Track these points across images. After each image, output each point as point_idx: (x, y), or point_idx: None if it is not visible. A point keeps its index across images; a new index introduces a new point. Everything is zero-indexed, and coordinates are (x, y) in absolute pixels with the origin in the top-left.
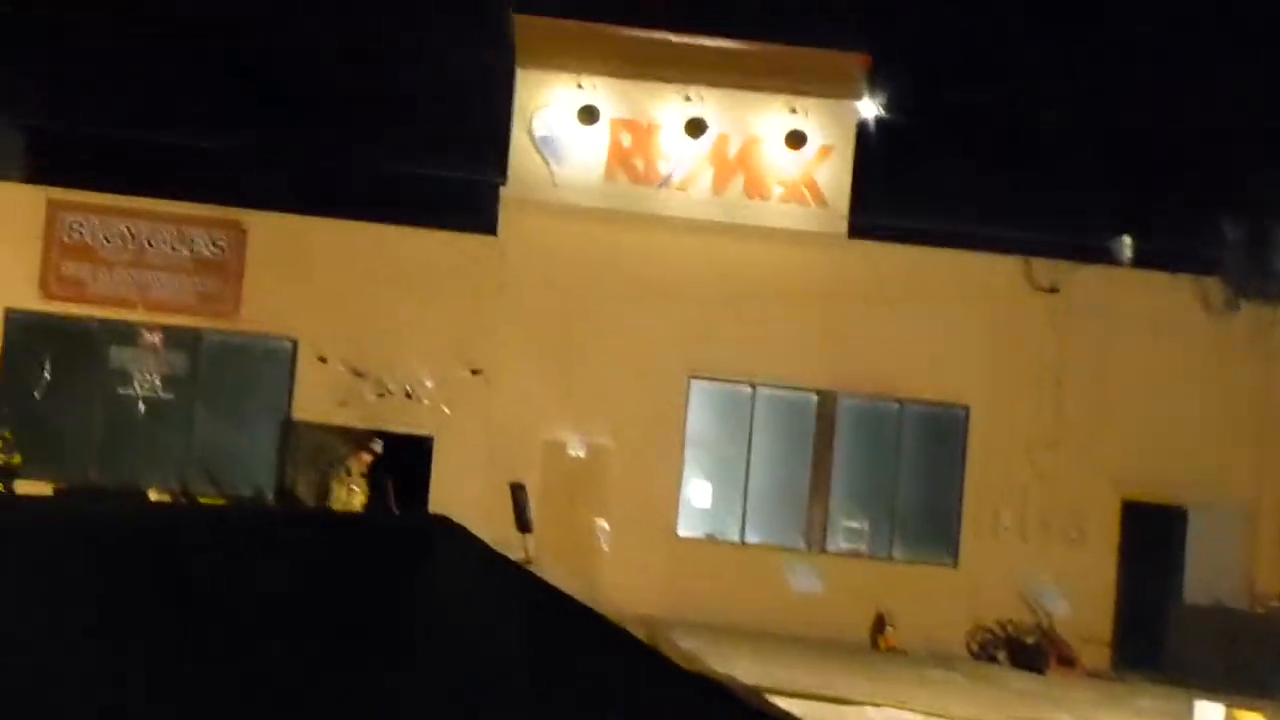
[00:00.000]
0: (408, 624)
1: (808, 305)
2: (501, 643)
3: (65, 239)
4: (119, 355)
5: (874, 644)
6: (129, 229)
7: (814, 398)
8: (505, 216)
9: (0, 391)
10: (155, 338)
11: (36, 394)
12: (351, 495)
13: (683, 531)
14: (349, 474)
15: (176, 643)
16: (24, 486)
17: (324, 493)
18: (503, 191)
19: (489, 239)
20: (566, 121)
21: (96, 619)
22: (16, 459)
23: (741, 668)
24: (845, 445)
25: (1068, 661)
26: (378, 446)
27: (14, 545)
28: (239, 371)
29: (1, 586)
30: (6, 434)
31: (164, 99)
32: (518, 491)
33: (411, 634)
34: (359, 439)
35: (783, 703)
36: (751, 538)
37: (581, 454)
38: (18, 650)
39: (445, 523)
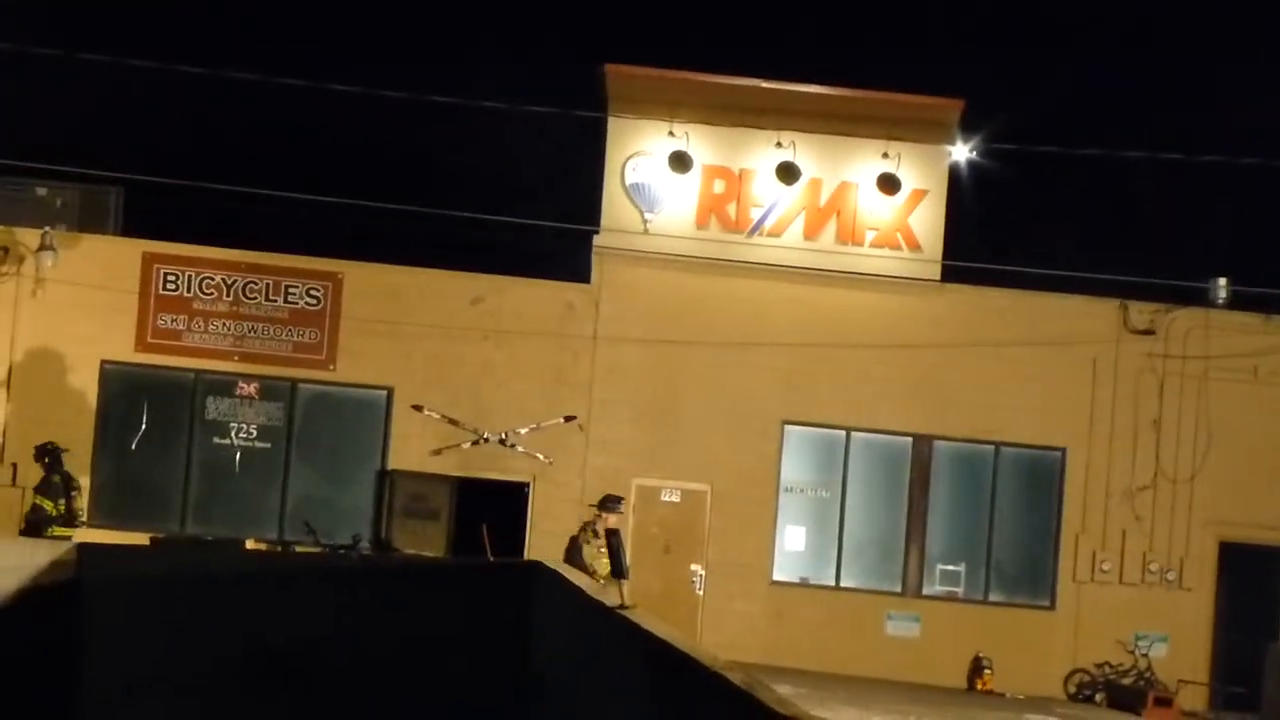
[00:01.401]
0: (505, 668)
1: (902, 350)
2: (597, 686)
3: (161, 291)
4: (215, 406)
5: (971, 687)
6: (224, 280)
7: (909, 442)
8: (598, 264)
9: (96, 442)
10: (251, 388)
11: (132, 445)
12: (598, 557)
13: (778, 576)
14: (595, 535)
15: (281, 694)
16: (98, 535)
17: (574, 552)
18: (595, 240)
19: (582, 287)
20: (658, 169)
21: (196, 669)
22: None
23: (838, 712)
24: (941, 489)
25: (1165, 703)
26: (622, 508)
27: (117, 594)
28: (335, 421)
29: (104, 634)
30: (79, 482)
31: (259, 150)
32: (612, 537)
33: (509, 677)
34: (605, 502)
35: None
36: (847, 582)
37: (676, 499)
38: (118, 697)
39: (541, 568)
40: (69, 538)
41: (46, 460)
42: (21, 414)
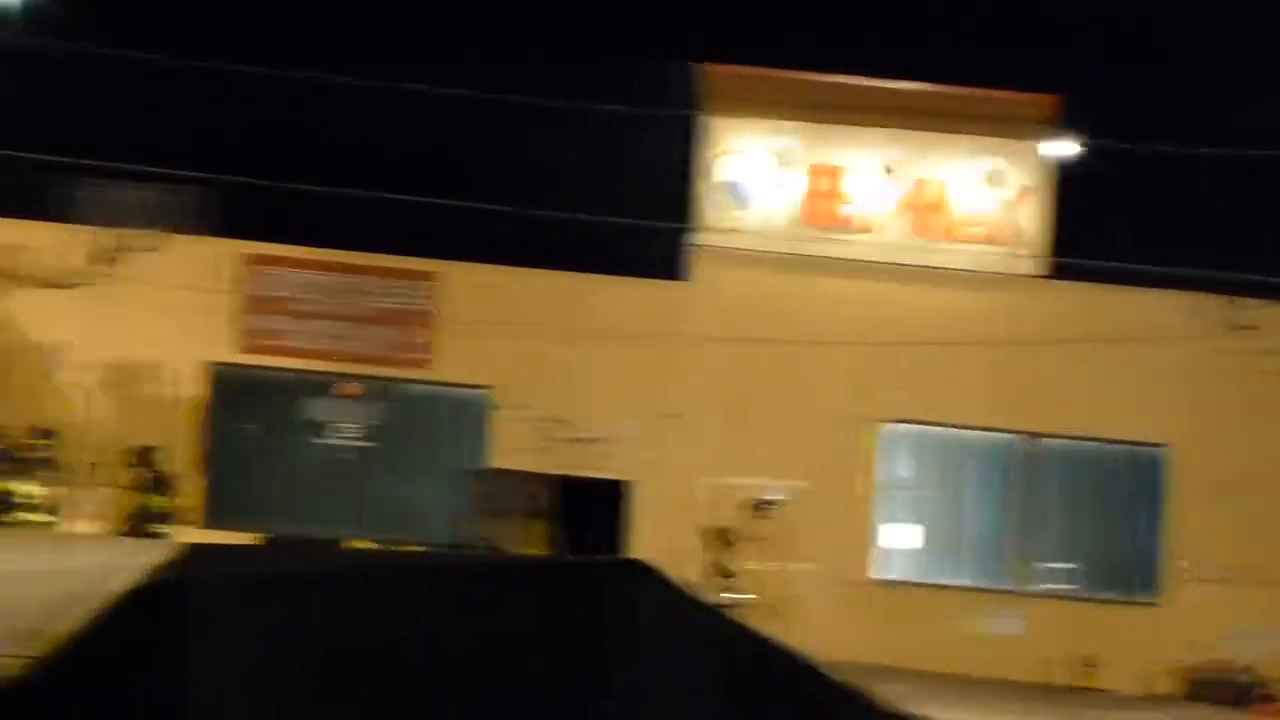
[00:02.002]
0: (609, 665)
1: (1006, 347)
2: (703, 683)
3: (260, 292)
4: (315, 406)
5: (1077, 685)
6: (323, 281)
7: (1013, 439)
8: (696, 263)
9: (196, 444)
10: (351, 388)
11: (233, 446)
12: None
13: (877, 575)
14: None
15: (386, 692)
16: (200, 537)
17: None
18: (692, 238)
19: (680, 285)
20: (757, 167)
21: (304, 669)
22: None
23: (943, 711)
24: (1045, 486)
25: (1272, 700)
26: (774, 511)
27: (222, 594)
28: (434, 421)
29: (214, 635)
30: (175, 482)
31: (356, 152)
32: (712, 536)
33: (613, 675)
34: (756, 505)
35: None
36: (949, 580)
37: (775, 498)
38: (222, 701)
39: (644, 566)
40: (167, 535)
41: (139, 463)
42: (121, 416)
